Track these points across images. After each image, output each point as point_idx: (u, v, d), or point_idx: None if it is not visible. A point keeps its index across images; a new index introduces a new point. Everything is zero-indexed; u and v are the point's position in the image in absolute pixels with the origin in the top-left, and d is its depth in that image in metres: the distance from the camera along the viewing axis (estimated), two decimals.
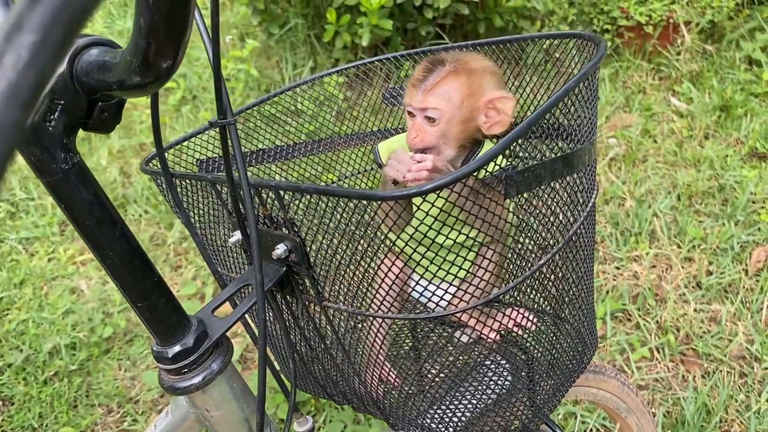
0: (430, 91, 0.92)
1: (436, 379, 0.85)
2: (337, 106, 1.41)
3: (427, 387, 0.87)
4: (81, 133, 0.58)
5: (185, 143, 0.97)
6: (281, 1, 3.25)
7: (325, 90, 1.25)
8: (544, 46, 0.96)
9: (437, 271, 0.65)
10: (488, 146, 0.99)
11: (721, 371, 1.88)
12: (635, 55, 3.28)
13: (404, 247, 0.64)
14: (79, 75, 0.53)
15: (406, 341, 0.99)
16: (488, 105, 0.93)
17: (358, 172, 1.24)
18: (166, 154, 0.92)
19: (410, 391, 0.88)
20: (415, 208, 0.59)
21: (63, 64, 0.52)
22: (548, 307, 0.82)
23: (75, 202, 0.55)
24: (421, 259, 0.64)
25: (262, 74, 3.32)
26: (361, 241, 0.65)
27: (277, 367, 0.93)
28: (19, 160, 2.79)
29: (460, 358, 0.85)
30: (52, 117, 0.53)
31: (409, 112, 0.95)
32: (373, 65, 1.18)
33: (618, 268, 2.24)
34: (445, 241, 0.63)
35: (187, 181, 0.78)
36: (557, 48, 0.94)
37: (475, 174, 0.56)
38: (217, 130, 0.61)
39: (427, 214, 0.59)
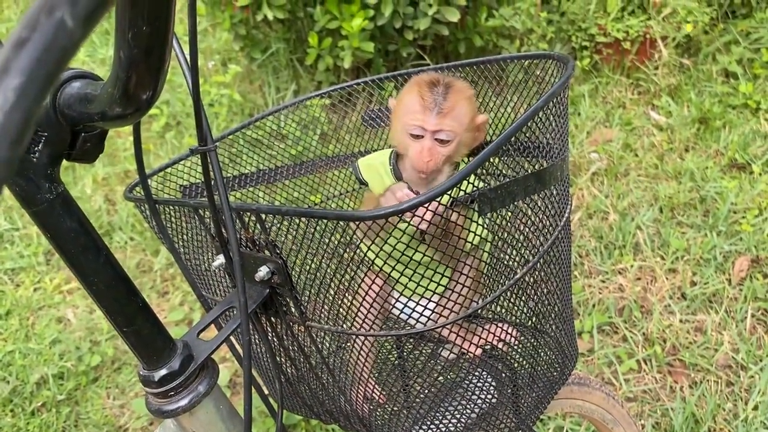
0: (447, 114, 0.94)
1: (421, 395, 0.86)
2: (321, 128, 1.43)
3: (412, 404, 0.88)
4: (64, 162, 0.59)
5: (169, 170, 0.98)
6: (263, 27, 3.28)
7: (309, 113, 1.27)
8: (524, 66, 0.99)
9: (416, 287, 0.67)
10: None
11: (708, 381, 1.90)
12: (614, 71, 3.33)
13: (383, 265, 0.65)
14: (62, 107, 0.54)
15: (390, 358, 1.00)
16: (479, 126, 0.98)
17: (344, 192, 1.26)
18: (149, 181, 0.93)
19: (396, 409, 0.89)
20: (392, 228, 0.61)
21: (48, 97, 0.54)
22: (528, 320, 0.84)
23: (60, 230, 0.56)
24: (400, 277, 0.66)
25: (246, 99, 3.35)
26: (341, 261, 0.67)
27: (264, 389, 0.94)
28: (4, 191, 2.78)
29: (445, 374, 0.86)
30: (36, 149, 0.54)
31: (415, 135, 0.96)
32: (355, 87, 1.20)
33: (603, 281, 2.27)
34: (422, 258, 0.64)
35: (171, 207, 0.79)
36: (537, 66, 0.97)
37: (449, 193, 0.58)
38: (199, 156, 0.63)
39: (404, 233, 0.61)
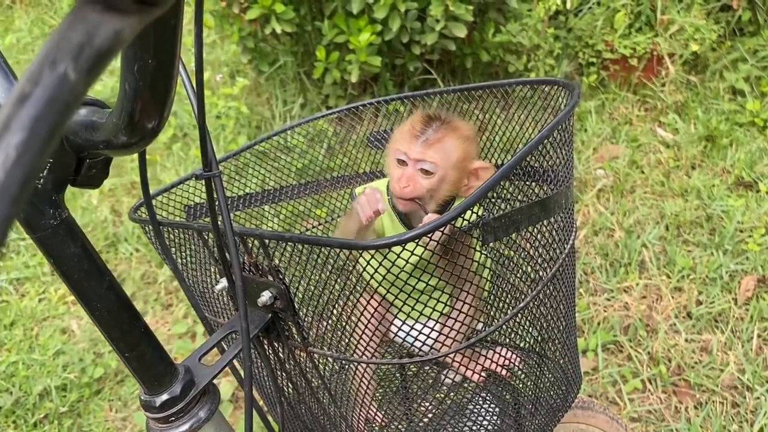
0: (431, 145, 0.93)
1: (424, 420, 0.86)
2: (327, 141, 1.43)
3: (415, 429, 0.87)
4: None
5: (173, 189, 0.99)
6: (271, 40, 3.30)
7: (315, 127, 1.27)
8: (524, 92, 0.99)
9: (419, 316, 0.67)
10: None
11: (713, 401, 1.89)
12: (621, 87, 3.33)
13: (386, 294, 0.65)
14: (67, 134, 0.54)
15: (393, 383, 0.99)
16: (473, 172, 0.97)
17: (348, 209, 1.26)
18: (153, 201, 0.93)
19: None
20: (394, 257, 0.61)
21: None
22: (532, 347, 0.83)
23: (63, 256, 0.56)
24: (402, 305, 0.65)
25: (253, 111, 3.36)
26: (344, 288, 0.67)
27: (265, 411, 0.94)
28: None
29: (447, 399, 0.86)
30: (40, 175, 0.54)
31: (400, 160, 0.96)
32: (364, 108, 1.21)
33: (608, 299, 2.25)
34: (425, 287, 0.64)
35: (175, 229, 0.79)
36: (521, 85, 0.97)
37: (452, 222, 0.58)
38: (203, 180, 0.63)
39: (407, 262, 0.60)
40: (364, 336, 0.71)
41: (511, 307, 0.73)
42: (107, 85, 3.59)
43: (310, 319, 0.71)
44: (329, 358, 0.75)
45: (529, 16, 3.40)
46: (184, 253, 0.82)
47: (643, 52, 3.19)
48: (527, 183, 0.69)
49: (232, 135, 3.18)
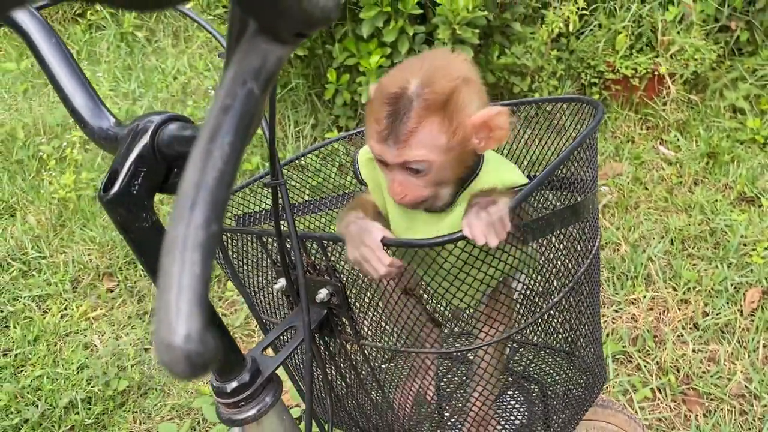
0: (407, 141, 0.74)
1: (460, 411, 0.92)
2: (339, 160, 1.50)
3: (450, 421, 0.94)
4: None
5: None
6: None
7: (327, 147, 1.34)
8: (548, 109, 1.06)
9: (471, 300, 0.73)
10: (490, 160, 0.87)
11: (721, 410, 1.94)
12: (623, 107, 3.42)
13: (435, 291, 0.72)
14: (160, 146, 0.62)
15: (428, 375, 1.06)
16: (480, 127, 0.78)
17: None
18: None
19: (434, 425, 0.95)
20: (446, 254, 0.68)
21: (147, 137, 0.61)
22: (561, 343, 0.90)
23: (154, 255, 0.63)
24: (452, 298, 0.72)
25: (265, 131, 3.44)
26: (398, 285, 0.74)
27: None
28: (30, 218, 2.81)
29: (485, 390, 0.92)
30: (136, 182, 0.61)
31: (381, 161, 0.78)
32: None
33: (617, 311, 2.32)
34: (473, 281, 0.71)
35: (233, 234, 0.86)
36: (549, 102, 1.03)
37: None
38: (266, 188, 0.70)
39: (458, 258, 0.67)
40: (415, 328, 0.77)
41: (545, 304, 0.79)
42: (122, 108, 3.68)
43: (363, 313, 0.78)
44: (379, 351, 0.81)
45: (532, 38, 3.50)
46: (239, 257, 0.89)
47: (645, 72, 3.28)
48: (561, 190, 0.76)
49: (246, 155, 3.26)
